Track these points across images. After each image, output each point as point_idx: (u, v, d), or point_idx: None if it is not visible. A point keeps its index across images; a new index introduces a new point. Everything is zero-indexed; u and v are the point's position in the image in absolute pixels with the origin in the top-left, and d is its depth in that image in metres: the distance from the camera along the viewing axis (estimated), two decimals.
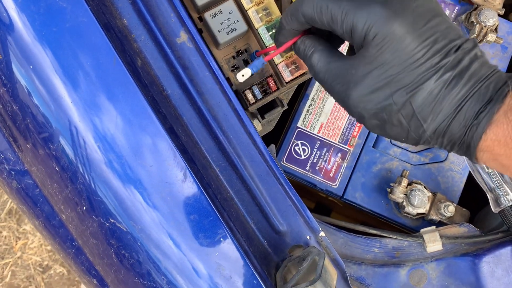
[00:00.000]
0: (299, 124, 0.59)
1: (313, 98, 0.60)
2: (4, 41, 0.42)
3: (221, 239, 0.42)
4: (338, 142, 0.59)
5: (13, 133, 0.47)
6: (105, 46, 0.40)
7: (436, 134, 0.36)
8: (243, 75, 0.45)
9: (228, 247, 0.43)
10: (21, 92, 0.43)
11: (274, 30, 0.50)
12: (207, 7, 0.50)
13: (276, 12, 0.50)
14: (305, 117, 0.60)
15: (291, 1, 0.55)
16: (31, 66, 0.41)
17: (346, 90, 0.37)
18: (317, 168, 0.59)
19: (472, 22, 0.60)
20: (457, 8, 0.63)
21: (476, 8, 0.60)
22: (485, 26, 0.59)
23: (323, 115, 0.59)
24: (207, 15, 0.49)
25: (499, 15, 0.61)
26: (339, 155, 0.59)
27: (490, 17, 0.58)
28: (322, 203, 0.78)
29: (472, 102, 0.35)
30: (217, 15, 0.49)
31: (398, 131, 0.37)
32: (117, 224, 0.43)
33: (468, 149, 0.36)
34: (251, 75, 0.45)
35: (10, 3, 0.41)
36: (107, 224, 0.43)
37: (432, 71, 0.35)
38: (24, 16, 0.40)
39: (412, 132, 0.37)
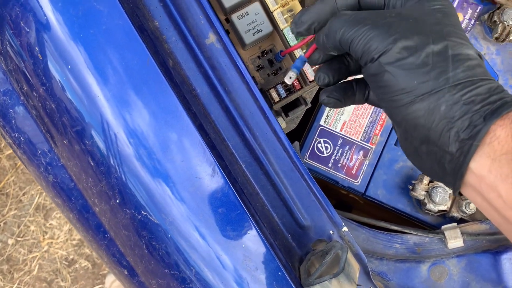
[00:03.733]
0: (321, 122, 0.61)
1: None
2: (44, 42, 0.44)
3: (248, 231, 0.44)
4: (360, 140, 0.61)
5: (50, 130, 0.50)
6: (139, 47, 0.42)
7: (453, 90, 0.33)
8: (290, 77, 0.45)
9: (254, 239, 0.44)
10: (59, 91, 0.45)
11: None
12: (234, 9, 0.52)
13: None
14: (327, 115, 0.61)
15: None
16: (69, 66, 0.44)
17: (376, 22, 0.35)
18: (339, 165, 0.60)
19: (495, 21, 0.60)
20: (479, 7, 0.63)
21: (499, 8, 0.61)
22: (508, 25, 0.59)
23: (346, 113, 0.61)
24: (234, 17, 0.51)
25: None
26: (361, 152, 0.60)
27: None
28: (343, 201, 0.79)
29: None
30: (244, 17, 0.51)
31: (412, 69, 0.34)
32: (148, 216, 0.45)
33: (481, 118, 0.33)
34: (297, 75, 0.46)
35: (49, 6, 0.43)
36: (139, 217, 0.45)
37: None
38: (63, 18, 0.43)
39: (431, 76, 0.33)
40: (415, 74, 0.33)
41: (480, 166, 0.32)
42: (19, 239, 1.46)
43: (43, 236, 1.47)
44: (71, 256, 1.46)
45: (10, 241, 1.46)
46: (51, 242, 1.46)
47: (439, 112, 0.33)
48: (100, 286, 1.45)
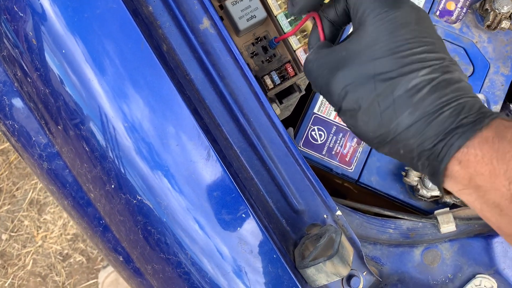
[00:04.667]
0: (315, 110, 0.61)
1: None
2: (39, 27, 0.44)
3: (243, 215, 0.44)
4: None
5: (44, 116, 0.50)
6: (134, 30, 0.42)
7: (407, 135, 0.34)
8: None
9: (249, 222, 0.45)
10: (53, 76, 0.45)
11: (292, 17, 0.52)
12: None
13: None
14: (321, 103, 0.61)
15: None
16: (63, 51, 0.43)
17: (331, 72, 0.38)
18: (333, 152, 0.61)
19: (487, 9, 0.61)
20: None
21: None
22: (500, 13, 0.60)
23: None
24: (228, 3, 0.51)
25: None
26: (355, 140, 0.61)
27: (504, 4, 0.59)
28: (337, 191, 0.80)
29: (456, 110, 0.33)
30: (238, 3, 0.51)
31: (367, 121, 0.36)
32: (144, 201, 0.45)
33: (437, 160, 0.33)
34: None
35: None
36: (134, 201, 0.46)
37: (420, 65, 0.34)
38: (57, 3, 0.43)
39: (384, 125, 0.35)
40: (371, 124, 0.36)
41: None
42: (13, 234, 1.45)
43: (37, 231, 1.46)
44: (66, 251, 1.45)
45: (3, 236, 1.45)
46: (45, 237, 1.46)
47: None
48: (95, 280, 1.44)
